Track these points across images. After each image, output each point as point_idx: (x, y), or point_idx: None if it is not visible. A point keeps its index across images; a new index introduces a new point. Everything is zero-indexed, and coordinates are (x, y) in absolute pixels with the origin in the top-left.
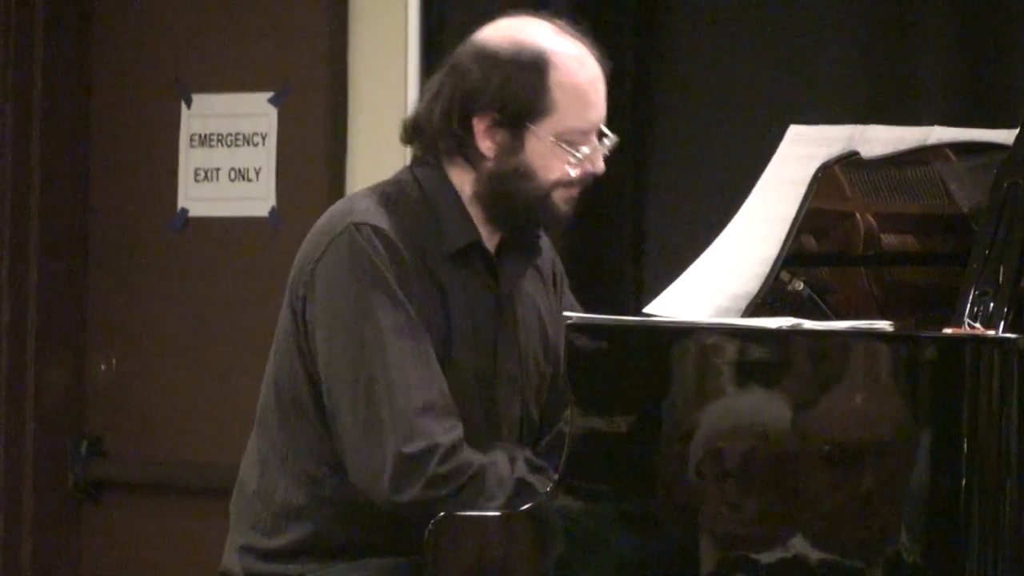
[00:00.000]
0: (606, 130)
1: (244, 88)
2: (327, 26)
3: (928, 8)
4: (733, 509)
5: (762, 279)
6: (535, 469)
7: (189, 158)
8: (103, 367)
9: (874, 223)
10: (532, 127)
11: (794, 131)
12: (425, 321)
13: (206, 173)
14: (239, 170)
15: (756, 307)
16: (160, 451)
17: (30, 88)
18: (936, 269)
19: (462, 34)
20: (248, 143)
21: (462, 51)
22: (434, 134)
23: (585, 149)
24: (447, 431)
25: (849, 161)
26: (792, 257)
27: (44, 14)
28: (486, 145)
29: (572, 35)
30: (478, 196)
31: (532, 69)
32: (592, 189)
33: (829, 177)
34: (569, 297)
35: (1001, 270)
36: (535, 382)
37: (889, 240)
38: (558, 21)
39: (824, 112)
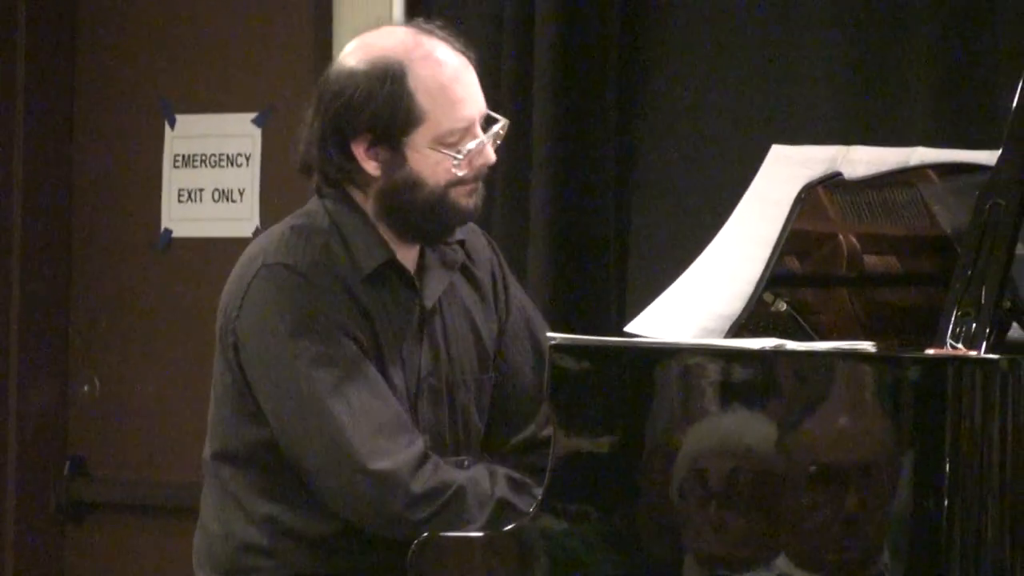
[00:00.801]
0: (494, 115)
1: (228, 109)
2: (311, 46)
3: (913, 30)
4: (716, 530)
5: (745, 299)
6: (516, 486)
7: (173, 178)
8: (86, 387)
9: (857, 244)
10: (407, 139)
11: (776, 151)
12: (358, 345)
13: (190, 194)
14: (223, 191)
15: (739, 328)
16: (144, 472)
17: (13, 108)
18: (919, 290)
19: None
20: (232, 164)
21: (325, 78)
22: (321, 167)
23: (469, 145)
24: (407, 446)
25: (832, 182)
26: (775, 278)
27: (27, 34)
28: (371, 166)
29: (429, 34)
30: (378, 215)
31: (390, 81)
32: (576, 208)
33: (812, 198)
34: (518, 294)
35: (983, 291)
36: (473, 389)
37: (872, 261)
38: (416, 21)
39: (807, 134)
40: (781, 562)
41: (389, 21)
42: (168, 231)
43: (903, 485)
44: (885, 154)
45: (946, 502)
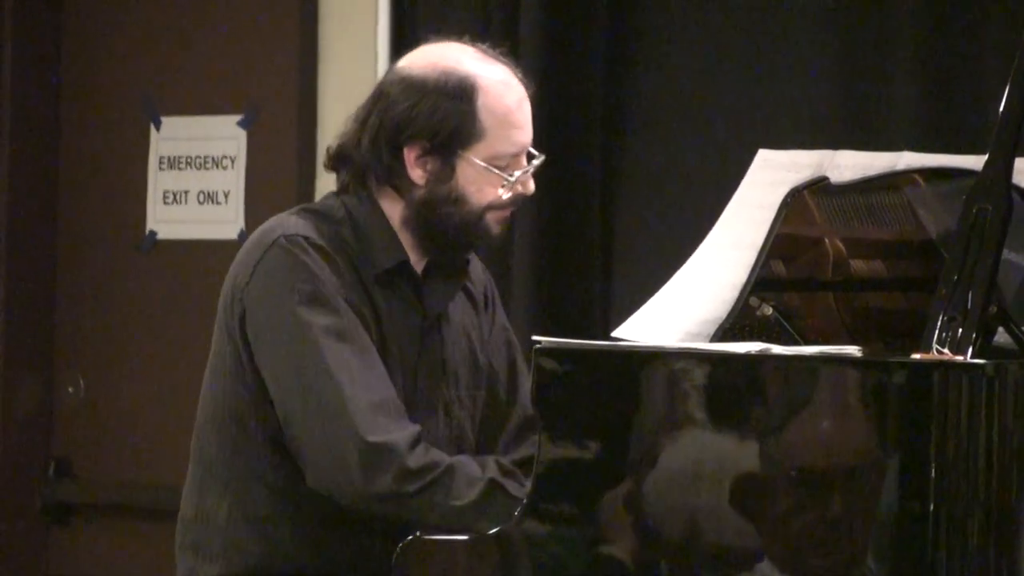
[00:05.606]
0: (534, 151)
1: (213, 111)
2: (296, 48)
3: (899, 34)
4: (700, 534)
5: (731, 304)
6: (506, 473)
7: (158, 181)
8: (71, 389)
9: (843, 249)
10: (463, 153)
11: (763, 156)
12: (366, 330)
13: (175, 196)
14: (208, 193)
15: (724, 332)
16: (128, 473)
17: None
18: (905, 295)
19: None
20: (217, 166)
21: (387, 80)
22: (363, 164)
23: (517, 172)
24: (403, 428)
25: (818, 187)
26: (761, 282)
27: (12, 38)
28: (417, 174)
29: (495, 58)
30: (408, 223)
31: (460, 95)
32: (562, 214)
33: (798, 203)
34: (502, 318)
35: (969, 296)
36: (468, 405)
37: (858, 266)
38: (480, 45)
39: (794, 137)
40: (765, 566)
41: (374, 22)
42: (153, 233)
43: (888, 490)
44: (872, 159)
45: (931, 507)
